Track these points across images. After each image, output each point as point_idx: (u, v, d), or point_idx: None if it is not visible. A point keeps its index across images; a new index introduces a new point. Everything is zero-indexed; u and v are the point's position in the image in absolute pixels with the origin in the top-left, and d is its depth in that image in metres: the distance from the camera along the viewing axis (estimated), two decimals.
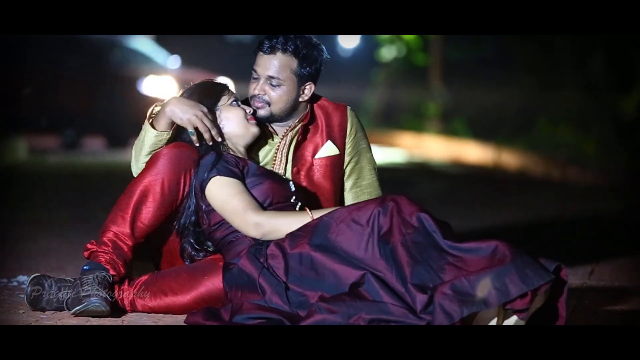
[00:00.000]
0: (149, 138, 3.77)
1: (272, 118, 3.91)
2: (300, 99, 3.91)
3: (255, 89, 3.88)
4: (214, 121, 3.77)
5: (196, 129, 3.71)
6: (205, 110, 3.74)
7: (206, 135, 3.72)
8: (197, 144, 3.75)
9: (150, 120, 3.79)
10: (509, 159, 13.10)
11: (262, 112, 3.88)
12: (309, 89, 3.91)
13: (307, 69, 3.87)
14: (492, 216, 7.56)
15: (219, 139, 3.75)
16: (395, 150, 16.03)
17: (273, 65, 3.84)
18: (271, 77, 3.84)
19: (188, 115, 3.71)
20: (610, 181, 10.10)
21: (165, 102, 3.79)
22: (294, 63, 3.85)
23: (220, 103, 3.85)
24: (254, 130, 3.84)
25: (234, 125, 3.82)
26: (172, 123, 3.77)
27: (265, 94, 3.86)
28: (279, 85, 3.85)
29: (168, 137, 3.78)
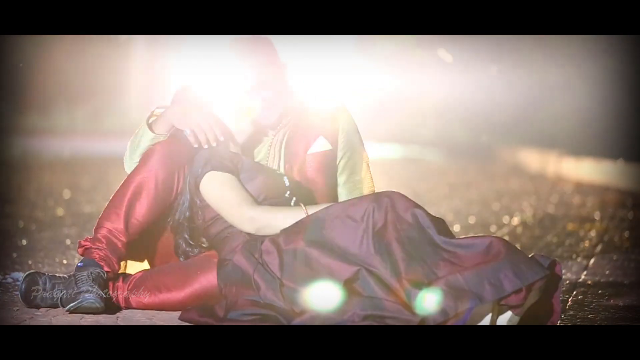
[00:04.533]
0: (146, 140, 3.77)
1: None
2: None
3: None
4: (215, 125, 3.73)
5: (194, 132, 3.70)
6: (207, 114, 3.72)
7: (201, 137, 3.70)
8: (196, 145, 3.74)
9: (150, 121, 3.78)
10: (504, 153, 13.10)
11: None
12: None
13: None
14: (487, 212, 7.57)
15: (214, 144, 3.72)
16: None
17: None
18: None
19: (189, 120, 3.69)
20: (606, 176, 10.12)
21: (168, 106, 3.80)
22: None
23: (215, 101, 3.85)
24: (249, 127, 3.84)
25: (229, 122, 3.81)
26: (171, 127, 3.76)
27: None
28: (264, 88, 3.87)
29: (164, 140, 3.77)
